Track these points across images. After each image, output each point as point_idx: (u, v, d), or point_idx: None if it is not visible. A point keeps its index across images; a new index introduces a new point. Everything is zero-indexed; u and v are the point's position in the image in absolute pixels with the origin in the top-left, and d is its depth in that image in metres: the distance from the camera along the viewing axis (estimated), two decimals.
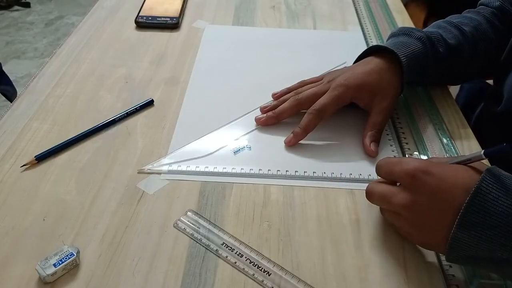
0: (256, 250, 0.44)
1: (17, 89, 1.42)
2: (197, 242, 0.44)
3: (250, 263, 0.43)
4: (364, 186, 0.46)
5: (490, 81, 0.69)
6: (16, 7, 2.67)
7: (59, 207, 0.47)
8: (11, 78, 1.43)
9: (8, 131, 0.57)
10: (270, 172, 0.52)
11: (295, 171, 0.53)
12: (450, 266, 0.43)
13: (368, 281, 0.42)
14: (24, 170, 0.51)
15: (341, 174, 0.52)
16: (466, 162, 0.41)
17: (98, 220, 0.46)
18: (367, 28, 0.82)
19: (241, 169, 0.53)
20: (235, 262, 0.43)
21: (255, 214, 0.47)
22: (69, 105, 0.62)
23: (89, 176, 0.51)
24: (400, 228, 0.45)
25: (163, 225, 0.46)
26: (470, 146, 0.57)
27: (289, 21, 0.85)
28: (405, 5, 0.93)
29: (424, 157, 0.55)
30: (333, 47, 0.77)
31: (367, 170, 0.53)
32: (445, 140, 0.57)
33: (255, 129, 0.59)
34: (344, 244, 0.45)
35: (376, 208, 0.48)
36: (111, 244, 0.44)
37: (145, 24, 0.80)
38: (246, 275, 0.42)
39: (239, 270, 0.42)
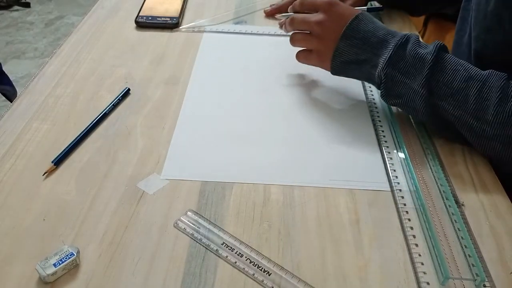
0: (256, 250, 0.44)
1: (17, 89, 1.43)
2: (197, 242, 0.45)
3: (250, 263, 0.43)
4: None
5: None
6: (16, 7, 2.67)
7: (59, 207, 0.47)
8: (11, 78, 1.44)
9: (8, 131, 0.57)
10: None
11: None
12: (450, 266, 0.43)
13: (368, 281, 0.42)
14: (45, 178, 0.51)
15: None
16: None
17: (98, 220, 0.46)
18: None
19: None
20: (235, 262, 0.43)
21: (255, 214, 0.48)
22: (69, 105, 0.62)
23: (89, 176, 0.51)
24: (306, 47, 0.64)
25: (163, 225, 0.46)
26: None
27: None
28: None
29: (401, 154, 0.55)
30: None
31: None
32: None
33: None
34: (344, 244, 0.45)
35: (376, 208, 0.48)
36: (111, 244, 0.44)
37: (145, 24, 0.80)
38: (246, 275, 0.42)
39: (239, 270, 0.42)
